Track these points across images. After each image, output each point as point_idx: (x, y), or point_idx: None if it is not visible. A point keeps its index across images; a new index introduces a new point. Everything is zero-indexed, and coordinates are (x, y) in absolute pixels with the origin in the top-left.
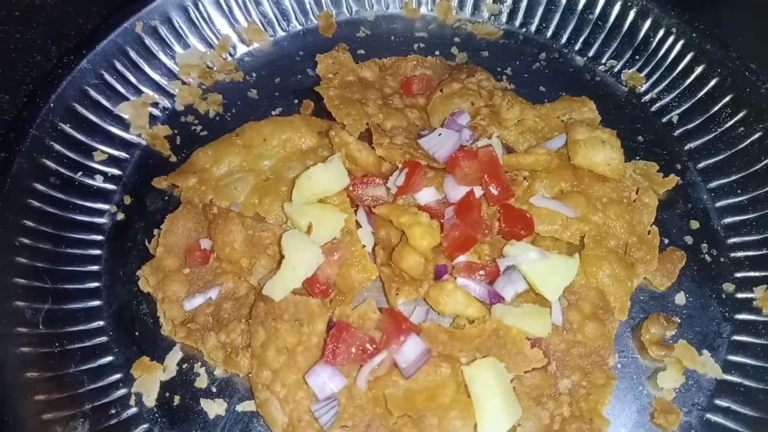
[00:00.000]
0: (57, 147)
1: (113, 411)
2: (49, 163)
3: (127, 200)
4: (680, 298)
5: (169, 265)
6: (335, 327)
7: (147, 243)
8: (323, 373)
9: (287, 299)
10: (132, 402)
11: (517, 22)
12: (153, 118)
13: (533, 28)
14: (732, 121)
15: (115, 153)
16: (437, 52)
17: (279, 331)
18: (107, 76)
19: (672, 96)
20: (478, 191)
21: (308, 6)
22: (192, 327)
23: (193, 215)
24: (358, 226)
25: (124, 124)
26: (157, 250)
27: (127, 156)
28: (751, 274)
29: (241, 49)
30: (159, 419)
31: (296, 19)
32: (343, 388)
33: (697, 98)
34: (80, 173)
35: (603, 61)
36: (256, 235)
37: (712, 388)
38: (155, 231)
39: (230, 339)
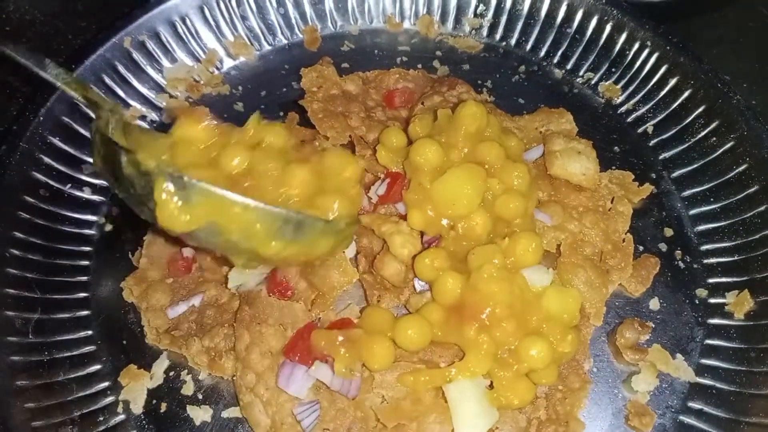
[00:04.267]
0: (46, 160)
1: (101, 418)
2: (38, 175)
3: (115, 211)
4: (654, 304)
5: (152, 275)
6: (305, 326)
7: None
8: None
9: (272, 303)
10: (120, 409)
11: (498, 36)
12: None
13: (513, 41)
14: (705, 131)
15: None
16: (420, 66)
17: (263, 335)
18: (96, 90)
19: (647, 107)
20: None
21: (293, 20)
22: (176, 334)
23: None
24: None
25: None
26: (141, 262)
27: None
28: (724, 279)
29: (228, 63)
30: (146, 426)
31: (282, 33)
32: (325, 392)
33: (671, 109)
34: (69, 185)
35: (580, 73)
36: None
37: (685, 390)
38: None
39: (214, 343)
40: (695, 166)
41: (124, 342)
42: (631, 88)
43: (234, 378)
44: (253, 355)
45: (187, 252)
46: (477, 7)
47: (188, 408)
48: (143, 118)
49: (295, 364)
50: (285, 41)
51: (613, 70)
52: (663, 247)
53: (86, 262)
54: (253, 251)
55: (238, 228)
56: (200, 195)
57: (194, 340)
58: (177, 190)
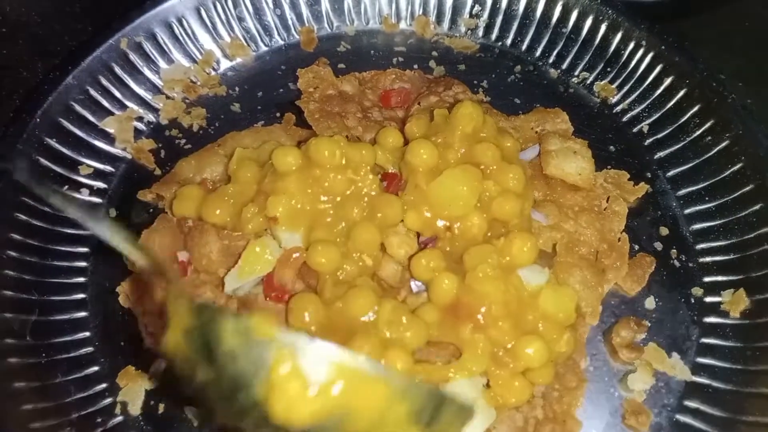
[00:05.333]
0: (43, 161)
1: (99, 420)
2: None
3: (113, 213)
4: (650, 303)
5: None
6: None
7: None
8: None
9: (269, 307)
10: (118, 410)
11: (493, 36)
12: (138, 132)
13: (509, 41)
14: (700, 131)
15: (101, 167)
16: (416, 66)
17: None
18: (93, 92)
19: (642, 107)
20: None
21: (290, 21)
22: None
23: (169, 230)
24: None
25: (110, 139)
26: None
27: (113, 170)
28: (719, 278)
29: (225, 64)
30: (144, 427)
31: (278, 34)
32: None
33: (666, 109)
34: (66, 187)
35: (576, 73)
36: (232, 245)
37: (681, 389)
38: None
39: None
40: (690, 165)
41: (122, 343)
42: (626, 88)
43: None
44: None
45: (183, 255)
46: (473, 7)
47: (186, 409)
48: (140, 119)
49: None
50: (281, 42)
51: (609, 69)
52: (658, 246)
53: (83, 264)
54: None
55: (374, 412)
56: (337, 370)
57: None
58: (306, 364)
